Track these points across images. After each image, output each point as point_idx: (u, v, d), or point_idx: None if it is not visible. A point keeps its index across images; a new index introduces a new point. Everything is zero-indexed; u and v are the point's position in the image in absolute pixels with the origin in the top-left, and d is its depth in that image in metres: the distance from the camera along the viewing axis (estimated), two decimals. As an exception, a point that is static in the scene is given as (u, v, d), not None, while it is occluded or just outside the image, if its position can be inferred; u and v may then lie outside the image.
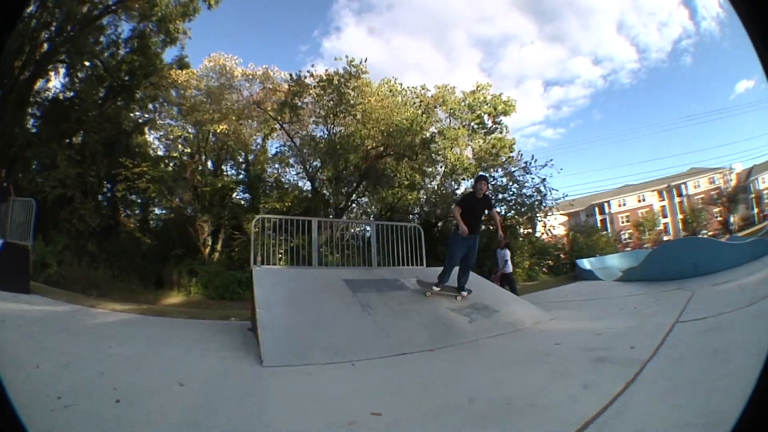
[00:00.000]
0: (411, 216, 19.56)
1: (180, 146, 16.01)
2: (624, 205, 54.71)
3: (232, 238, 17.66)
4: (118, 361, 4.08)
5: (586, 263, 17.18)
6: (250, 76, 16.81)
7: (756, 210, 48.16)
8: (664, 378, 3.00)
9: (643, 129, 76.34)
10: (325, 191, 18.23)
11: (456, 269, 6.55)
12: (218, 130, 16.18)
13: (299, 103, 16.46)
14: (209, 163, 19.31)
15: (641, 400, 2.62)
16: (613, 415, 2.41)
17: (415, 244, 8.68)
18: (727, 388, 2.42)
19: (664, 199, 53.73)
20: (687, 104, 70.41)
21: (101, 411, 2.78)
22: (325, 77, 16.07)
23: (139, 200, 19.50)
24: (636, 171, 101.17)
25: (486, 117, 21.46)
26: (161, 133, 19.13)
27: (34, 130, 17.69)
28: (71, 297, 9.79)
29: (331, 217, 17.00)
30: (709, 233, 43.08)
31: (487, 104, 21.19)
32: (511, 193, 19.19)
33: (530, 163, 18.63)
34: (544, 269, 21.27)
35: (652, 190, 53.54)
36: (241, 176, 19.50)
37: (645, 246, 38.84)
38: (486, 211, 6.78)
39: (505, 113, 21.60)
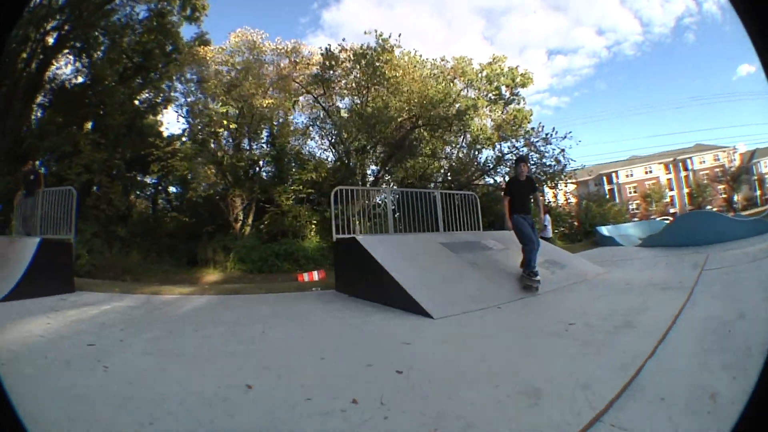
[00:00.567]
0: (433, 184, 21.54)
1: (225, 122, 17.25)
2: (631, 176, 57.73)
3: (265, 212, 18.90)
4: (292, 343, 4.37)
5: (604, 230, 19.46)
6: (281, 51, 18.26)
7: (759, 192, 51.73)
8: (705, 295, 5.09)
9: (648, 105, 79.02)
10: (352, 161, 19.94)
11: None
12: (265, 105, 17.59)
13: (331, 76, 18.06)
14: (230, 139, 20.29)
15: (699, 305, 4.68)
16: (688, 310, 4.49)
17: (471, 210, 10.73)
18: (744, 296, 4.61)
19: (670, 172, 56.97)
20: (690, 80, 73.32)
21: (406, 385, 2.85)
22: (359, 51, 17.62)
23: (169, 180, 20.67)
24: (642, 145, 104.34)
25: (504, 88, 23.24)
26: (183, 110, 20.34)
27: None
28: (120, 286, 9.86)
29: (368, 185, 18.92)
30: (714, 209, 46.34)
31: (504, 76, 22.84)
32: (532, 162, 21.25)
33: (551, 134, 20.66)
34: (558, 236, 23.53)
35: (659, 163, 56.65)
36: (268, 150, 20.74)
37: (652, 217, 41.72)
38: (531, 193, 7.20)
39: (523, 85, 23.44)
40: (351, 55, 17.87)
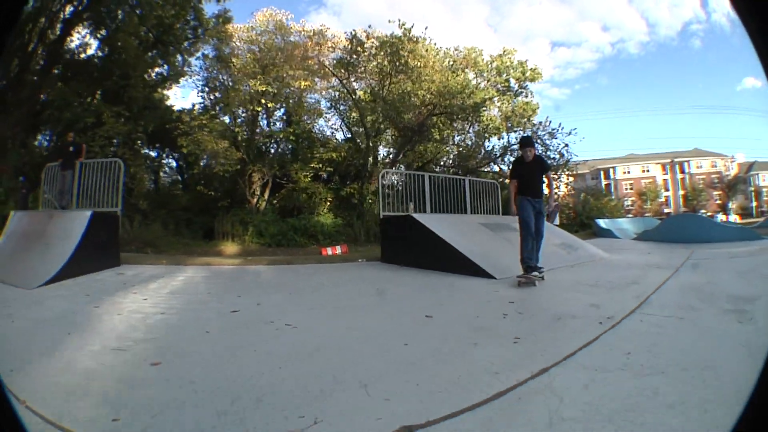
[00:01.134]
0: (439, 168, 23.77)
1: (263, 100, 18.71)
2: (628, 173, 60.92)
3: (281, 187, 20.79)
4: (399, 298, 5.93)
5: (602, 223, 21.86)
6: (308, 33, 19.95)
7: (755, 203, 55.56)
8: (687, 273, 7.28)
9: (649, 105, 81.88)
10: (364, 143, 21.89)
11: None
12: (302, 86, 19.25)
13: (355, 60, 19.92)
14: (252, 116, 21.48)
15: (682, 276, 6.87)
16: (674, 278, 6.70)
17: (493, 196, 12.96)
18: (715, 275, 6.83)
19: (667, 173, 60.47)
20: (694, 84, 77.04)
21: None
22: (385, 39, 19.48)
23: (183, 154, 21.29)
24: (640, 144, 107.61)
25: (513, 81, 25.11)
26: (198, 84, 21.89)
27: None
28: (167, 259, 10.85)
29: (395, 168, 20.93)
30: (708, 213, 49.86)
31: (513, 69, 24.62)
32: (537, 153, 23.36)
33: (557, 129, 22.93)
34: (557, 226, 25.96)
35: (656, 163, 60.08)
36: (285, 128, 22.19)
37: (647, 214, 44.64)
38: (542, 174, 7.01)
39: (533, 80, 25.45)
40: (376, 42, 19.66)
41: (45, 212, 10.20)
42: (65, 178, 10.52)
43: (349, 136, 23.48)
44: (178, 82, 22.77)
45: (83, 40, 19.96)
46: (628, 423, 2.04)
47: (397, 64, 19.54)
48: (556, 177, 23.69)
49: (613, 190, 56.98)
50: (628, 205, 53.81)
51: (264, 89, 18.62)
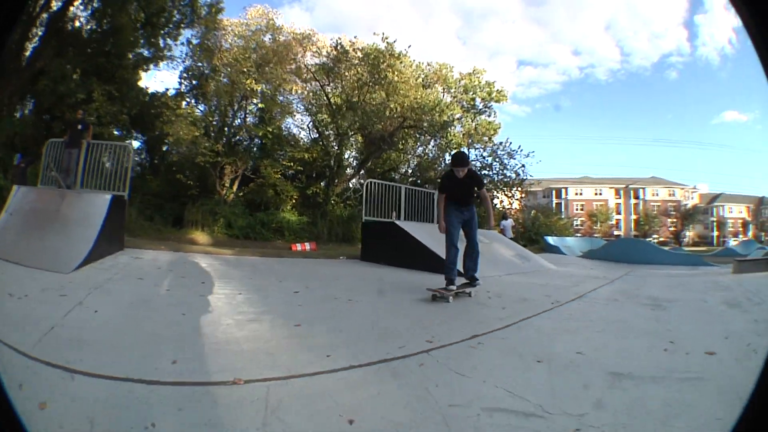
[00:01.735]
0: (398, 175, 25.34)
1: (255, 99, 20.19)
2: (581, 194, 64.95)
3: (250, 181, 21.73)
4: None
5: (551, 240, 24.34)
6: (296, 36, 21.27)
7: (716, 233, 60.64)
8: (621, 283, 9.32)
9: (611, 134, 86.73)
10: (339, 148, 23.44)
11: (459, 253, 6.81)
12: (293, 90, 20.68)
13: (337, 68, 21.49)
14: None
15: (615, 285, 8.86)
16: (608, 285, 8.68)
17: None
18: (644, 286, 8.91)
19: (620, 197, 64.95)
20: (662, 114, 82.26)
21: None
22: (368, 50, 21.22)
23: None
24: (596, 169, 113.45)
25: (478, 100, 26.94)
26: (178, 69, 22.17)
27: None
28: (149, 244, 11.79)
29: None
30: (660, 239, 54.39)
31: (480, 89, 26.53)
32: (495, 171, 25.77)
33: (516, 151, 25.25)
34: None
35: (610, 187, 64.49)
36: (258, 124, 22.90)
37: (595, 235, 48.23)
38: (476, 189, 6.88)
39: (498, 101, 27.47)
40: (359, 54, 21.34)
41: (55, 191, 10.10)
42: (71, 155, 10.61)
43: (316, 136, 24.75)
44: (158, 65, 22.67)
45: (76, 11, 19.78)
46: (569, 342, 3.87)
47: (376, 76, 21.18)
48: (510, 195, 25.98)
49: (563, 209, 60.97)
50: (577, 225, 57.67)
51: (259, 88, 19.84)
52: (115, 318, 4.23)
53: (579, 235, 45.46)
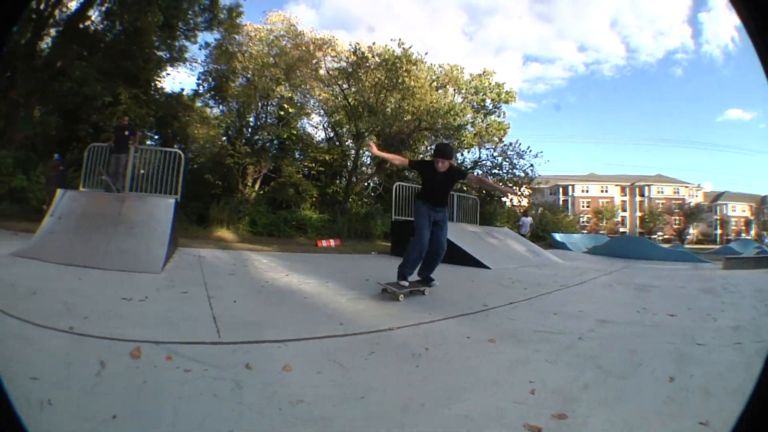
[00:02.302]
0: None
1: (286, 105, 21.76)
2: (587, 191, 66.86)
3: (271, 180, 23.51)
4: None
5: (557, 236, 26.32)
6: (317, 41, 23.15)
7: (720, 231, 62.40)
8: (619, 275, 11.27)
9: (617, 130, 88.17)
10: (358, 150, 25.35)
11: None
12: (321, 96, 22.41)
13: (356, 72, 23.39)
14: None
15: (614, 276, 10.78)
16: (607, 275, 10.65)
17: (472, 209, 16.90)
18: (639, 277, 10.95)
19: (626, 195, 66.87)
20: (668, 111, 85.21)
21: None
22: (386, 56, 23.06)
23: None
24: (602, 165, 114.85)
25: (488, 100, 28.86)
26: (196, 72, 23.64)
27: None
28: (195, 243, 12.45)
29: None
30: (663, 236, 56.67)
31: (490, 90, 28.42)
32: (504, 170, 27.74)
33: (525, 152, 27.17)
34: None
35: (616, 185, 66.41)
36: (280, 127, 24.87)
37: (601, 232, 50.21)
38: (460, 181, 7.03)
39: (507, 102, 29.27)
40: (377, 59, 23.21)
41: (105, 195, 10.56)
42: (119, 160, 11.36)
43: (332, 136, 26.59)
44: (174, 66, 23.67)
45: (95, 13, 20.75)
46: (574, 306, 5.79)
47: (394, 80, 23.02)
48: (519, 193, 27.87)
49: (570, 206, 63.13)
50: (583, 222, 59.77)
51: (290, 95, 21.65)
52: (257, 306, 5.12)
53: (585, 231, 47.42)
